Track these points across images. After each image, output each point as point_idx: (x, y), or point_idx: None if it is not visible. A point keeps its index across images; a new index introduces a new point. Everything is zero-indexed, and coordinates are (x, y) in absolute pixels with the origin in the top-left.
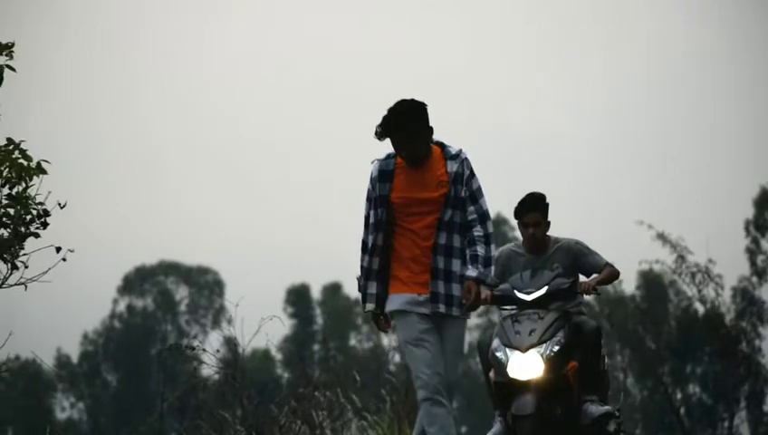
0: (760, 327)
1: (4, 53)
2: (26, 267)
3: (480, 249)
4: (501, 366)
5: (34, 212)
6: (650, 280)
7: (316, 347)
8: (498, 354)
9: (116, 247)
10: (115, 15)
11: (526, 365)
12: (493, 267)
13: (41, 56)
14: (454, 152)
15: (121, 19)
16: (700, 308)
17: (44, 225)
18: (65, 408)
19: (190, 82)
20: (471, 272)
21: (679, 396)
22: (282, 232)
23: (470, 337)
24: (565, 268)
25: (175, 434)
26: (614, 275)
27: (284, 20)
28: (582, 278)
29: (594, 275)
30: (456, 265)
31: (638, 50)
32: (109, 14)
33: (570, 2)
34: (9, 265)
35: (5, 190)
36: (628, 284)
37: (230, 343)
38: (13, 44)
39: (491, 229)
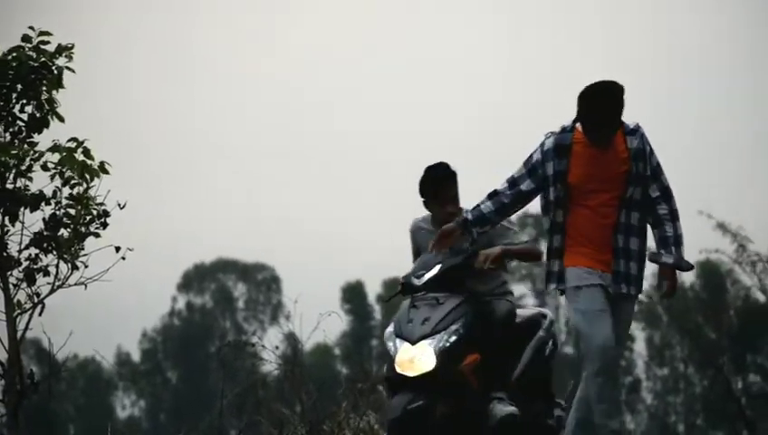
0: None
1: (63, 54)
2: (86, 267)
3: (669, 229)
4: (390, 359)
5: (95, 212)
6: (709, 270)
7: (374, 342)
8: (389, 345)
9: (175, 246)
10: (177, 17)
11: (415, 359)
12: (684, 247)
13: (101, 57)
14: (632, 127)
15: (181, 19)
16: (761, 297)
17: (104, 225)
18: (126, 406)
19: (245, 83)
20: (667, 259)
21: (740, 386)
22: (337, 227)
23: None
24: (480, 245)
25: (234, 431)
26: (532, 252)
27: (349, 19)
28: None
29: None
30: (633, 243)
31: (689, 41)
32: (170, 15)
33: None
34: (69, 265)
35: (66, 190)
36: (688, 274)
37: (289, 339)
38: (72, 46)
39: (676, 205)
